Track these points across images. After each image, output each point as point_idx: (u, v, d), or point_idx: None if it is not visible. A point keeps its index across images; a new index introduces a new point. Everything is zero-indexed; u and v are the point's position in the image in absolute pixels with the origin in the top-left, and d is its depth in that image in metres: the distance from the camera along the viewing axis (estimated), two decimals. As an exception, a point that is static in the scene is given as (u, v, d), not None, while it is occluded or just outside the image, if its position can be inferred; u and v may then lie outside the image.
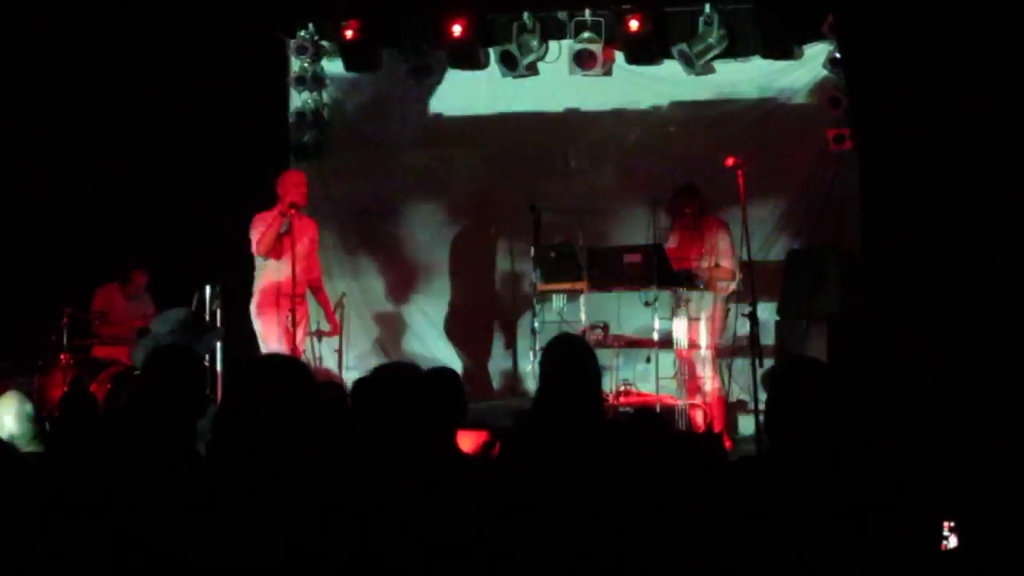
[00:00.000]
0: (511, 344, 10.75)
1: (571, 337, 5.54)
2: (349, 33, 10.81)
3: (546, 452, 4.06)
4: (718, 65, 10.36)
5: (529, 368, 9.72)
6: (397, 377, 3.84)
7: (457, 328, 11.06)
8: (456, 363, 10.50)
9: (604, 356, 8.54)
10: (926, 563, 3.45)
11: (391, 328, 11.11)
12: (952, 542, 3.56)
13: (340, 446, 3.72)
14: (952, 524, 3.55)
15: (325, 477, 3.28)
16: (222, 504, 3.15)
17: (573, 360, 4.57)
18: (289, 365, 3.48)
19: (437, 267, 11.16)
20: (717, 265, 8.70)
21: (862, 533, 3.36)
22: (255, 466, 3.19)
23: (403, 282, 11.25)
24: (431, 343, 11.00)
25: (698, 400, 8.75)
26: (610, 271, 8.70)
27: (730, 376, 8.81)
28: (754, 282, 8.14)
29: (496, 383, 10.84)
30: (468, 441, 5.10)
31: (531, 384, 9.81)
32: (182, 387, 4.19)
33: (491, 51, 10.80)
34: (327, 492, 3.24)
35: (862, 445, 3.86)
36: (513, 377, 10.72)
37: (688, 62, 10.21)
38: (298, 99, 11.12)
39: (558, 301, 9.53)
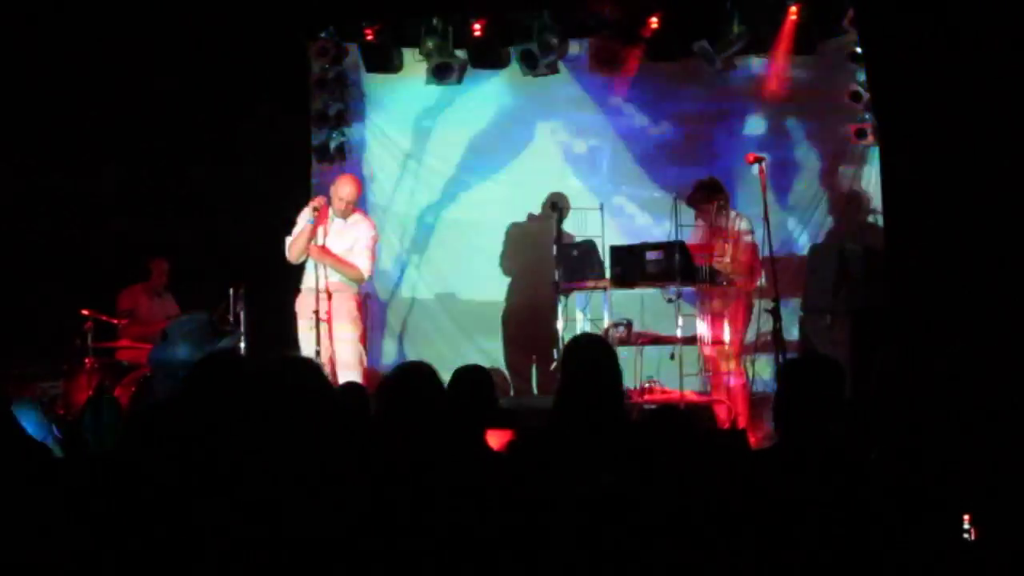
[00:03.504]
0: (534, 343, 10.72)
1: (589, 336, 5.52)
2: (370, 34, 10.82)
3: (565, 450, 4.05)
4: (739, 61, 10.34)
5: (553, 367, 9.69)
6: (415, 376, 3.82)
7: (480, 327, 11.05)
8: (480, 362, 10.47)
9: (628, 353, 8.56)
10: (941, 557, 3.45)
11: (415, 328, 11.11)
12: (972, 535, 3.55)
13: (363, 446, 3.73)
14: (972, 517, 3.55)
15: (345, 476, 3.29)
16: (244, 504, 3.17)
17: (591, 359, 4.55)
18: (297, 367, 3.50)
19: (459, 266, 11.16)
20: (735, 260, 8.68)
21: (868, 528, 3.36)
22: (271, 466, 3.21)
23: (426, 281, 11.26)
24: (455, 342, 10.99)
25: (723, 396, 8.74)
26: (632, 268, 8.68)
27: (754, 372, 8.79)
28: (777, 278, 8.13)
29: (520, 382, 10.83)
30: (494, 440, 5.10)
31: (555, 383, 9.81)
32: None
33: (511, 50, 10.80)
34: (348, 491, 3.26)
35: (878, 440, 3.86)
36: (538, 376, 10.71)
37: (709, 58, 10.19)
38: (319, 101, 11.11)
39: (581, 299, 9.52)
